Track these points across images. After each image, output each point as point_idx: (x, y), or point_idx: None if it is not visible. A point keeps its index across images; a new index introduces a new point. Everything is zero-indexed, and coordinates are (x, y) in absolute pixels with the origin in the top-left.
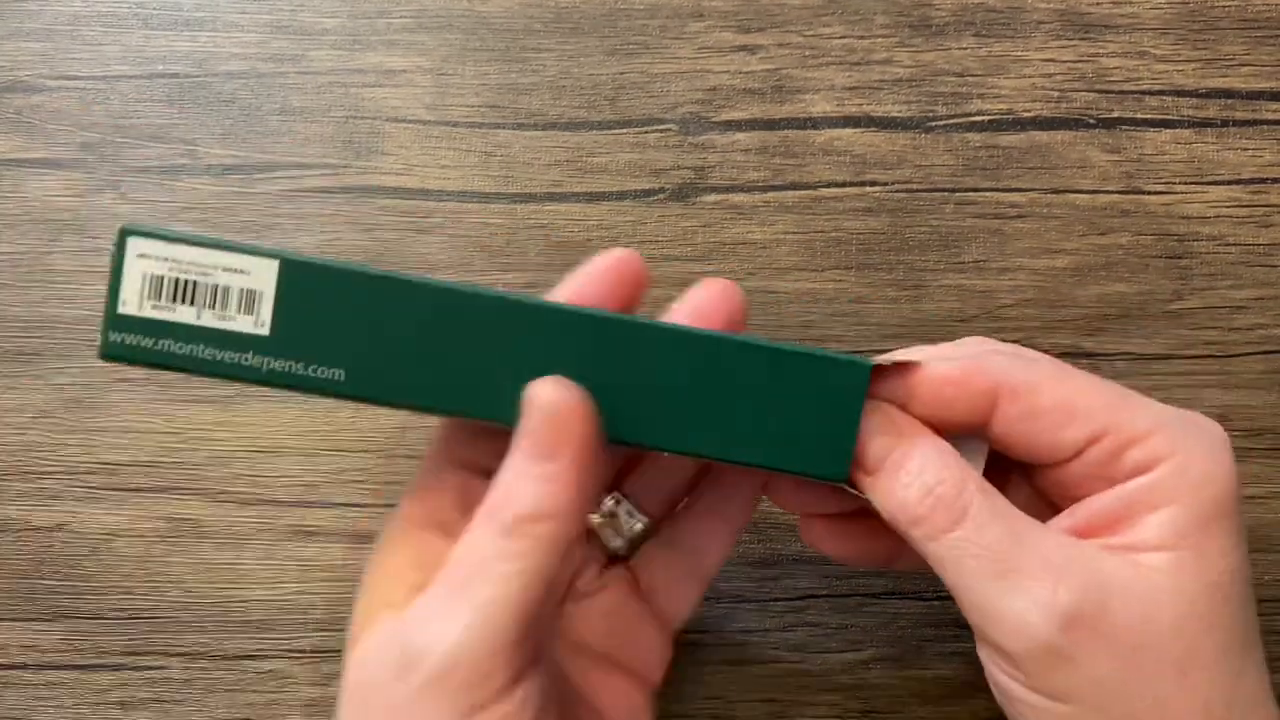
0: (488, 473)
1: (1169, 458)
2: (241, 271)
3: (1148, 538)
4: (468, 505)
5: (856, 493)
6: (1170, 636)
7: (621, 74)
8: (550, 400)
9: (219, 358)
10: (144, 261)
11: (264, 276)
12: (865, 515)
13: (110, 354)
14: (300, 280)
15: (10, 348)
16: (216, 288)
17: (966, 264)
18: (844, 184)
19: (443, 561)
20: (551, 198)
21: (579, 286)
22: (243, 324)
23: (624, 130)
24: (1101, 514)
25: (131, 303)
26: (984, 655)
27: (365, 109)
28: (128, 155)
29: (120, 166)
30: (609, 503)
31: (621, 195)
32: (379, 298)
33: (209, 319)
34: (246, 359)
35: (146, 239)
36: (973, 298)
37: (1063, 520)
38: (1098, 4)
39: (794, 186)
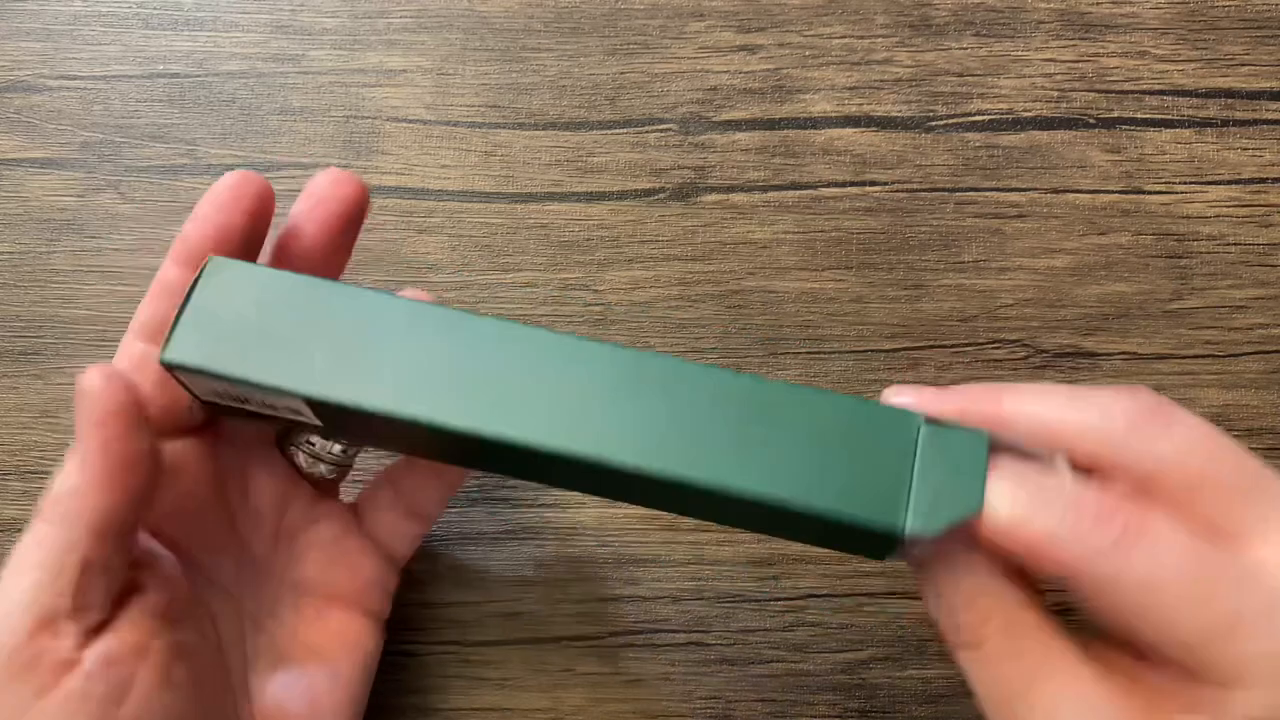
0: (159, 430)
1: (1249, 688)
2: (277, 398)
3: (1232, 711)
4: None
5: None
6: None
7: (622, 74)
8: (90, 388)
9: (297, 438)
10: (192, 380)
11: (296, 402)
12: None
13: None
14: (329, 407)
15: (10, 347)
16: (263, 402)
17: (966, 264)
18: (844, 184)
19: None
20: (552, 197)
21: (206, 219)
22: (297, 417)
23: (624, 130)
24: (1160, 686)
25: (202, 393)
26: None
27: (365, 109)
28: (128, 155)
29: (120, 166)
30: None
31: (622, 195)
32: (402, 426)
33: (270, 411)
34: (313, 439)
35: (185, 373)
36: (973, 297)
37: (1118, 661)
38: (1098, 4)
39: (794, 186)
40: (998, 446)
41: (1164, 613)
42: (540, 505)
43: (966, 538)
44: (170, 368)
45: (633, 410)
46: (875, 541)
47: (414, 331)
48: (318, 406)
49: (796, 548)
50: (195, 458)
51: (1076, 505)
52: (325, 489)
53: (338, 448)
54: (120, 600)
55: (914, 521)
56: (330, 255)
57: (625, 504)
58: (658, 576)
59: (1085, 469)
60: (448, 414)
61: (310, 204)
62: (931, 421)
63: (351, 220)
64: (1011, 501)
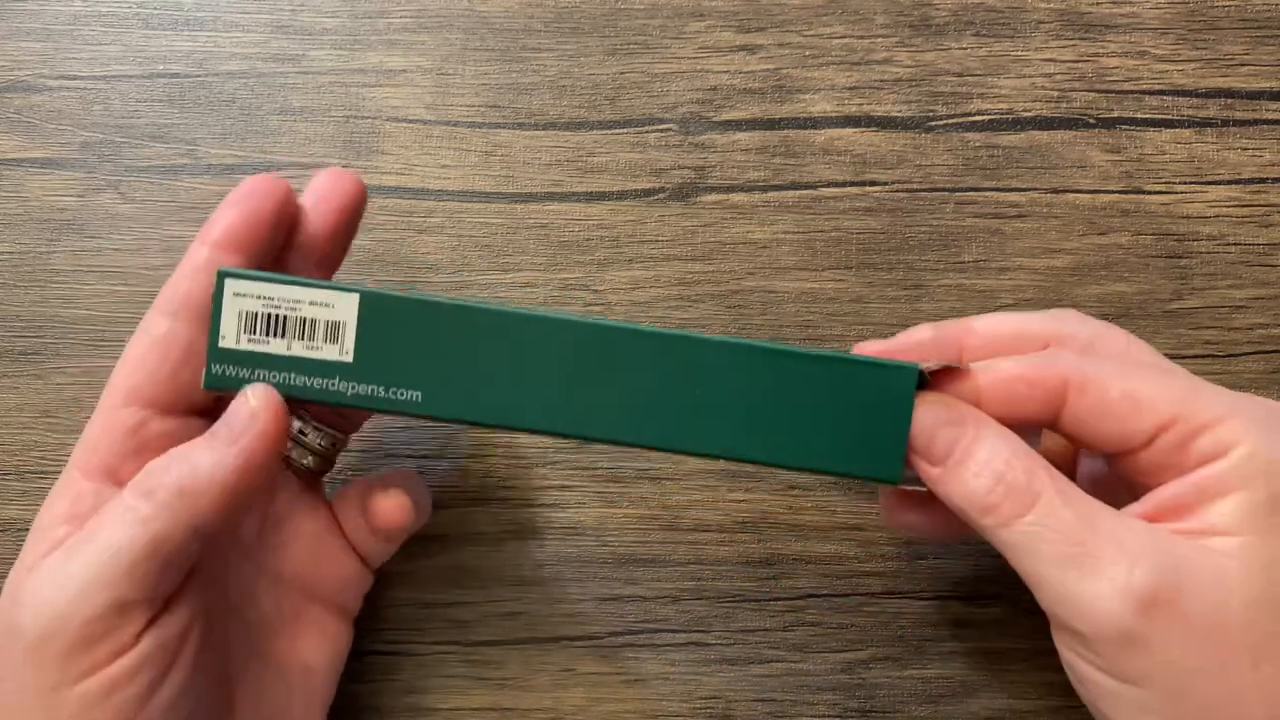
0: (168, 409)
1: (1239, 444)
2: (326, 305)
3: (1217, 523)
4: (141, 446)
5: (913, 489)
6: (1241, 624)
7: (622, 74)
8: (256, 394)
9: (308, 384)
10: (239, 300)
11: (346, 309)
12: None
13: (211, 384)
14: (378, 311)
15: (10, 347)
16: (304, 320)
17: (966, 264)
18: (844, 184)
19: (98, 509)
20: (552, 197)
21: (231, 218)
22: (328, 352)
23: (624, 130)
24: (1172, 500)
25: (230, 337)
26: (1058, 638)
27: (365, 109)
28: (128, 155)
29: (120, 166)
30: (295, 424)
31: (622, 195)
32: (450, 324)
33: (299, 349)
34: (333, 384)
35: (240, 279)
36: (973, 297)
37: (1134, 508)
38: (1098, 4)
39: (794, 186)
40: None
41: (1142, 390)
42: (540, 505)
43: (981, 416)
44: (224, 277)
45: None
46: (893, 400)
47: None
48: (374, 303)
49: (796, 547)
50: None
51: (1039, 353)
52: (309, 481)
53: (325, 440)
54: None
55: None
56: (330, 251)
57: (624, 506)
58: (658, 576)
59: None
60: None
61: (312, 201)
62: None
63: (351, 216)
64: (989, 366)
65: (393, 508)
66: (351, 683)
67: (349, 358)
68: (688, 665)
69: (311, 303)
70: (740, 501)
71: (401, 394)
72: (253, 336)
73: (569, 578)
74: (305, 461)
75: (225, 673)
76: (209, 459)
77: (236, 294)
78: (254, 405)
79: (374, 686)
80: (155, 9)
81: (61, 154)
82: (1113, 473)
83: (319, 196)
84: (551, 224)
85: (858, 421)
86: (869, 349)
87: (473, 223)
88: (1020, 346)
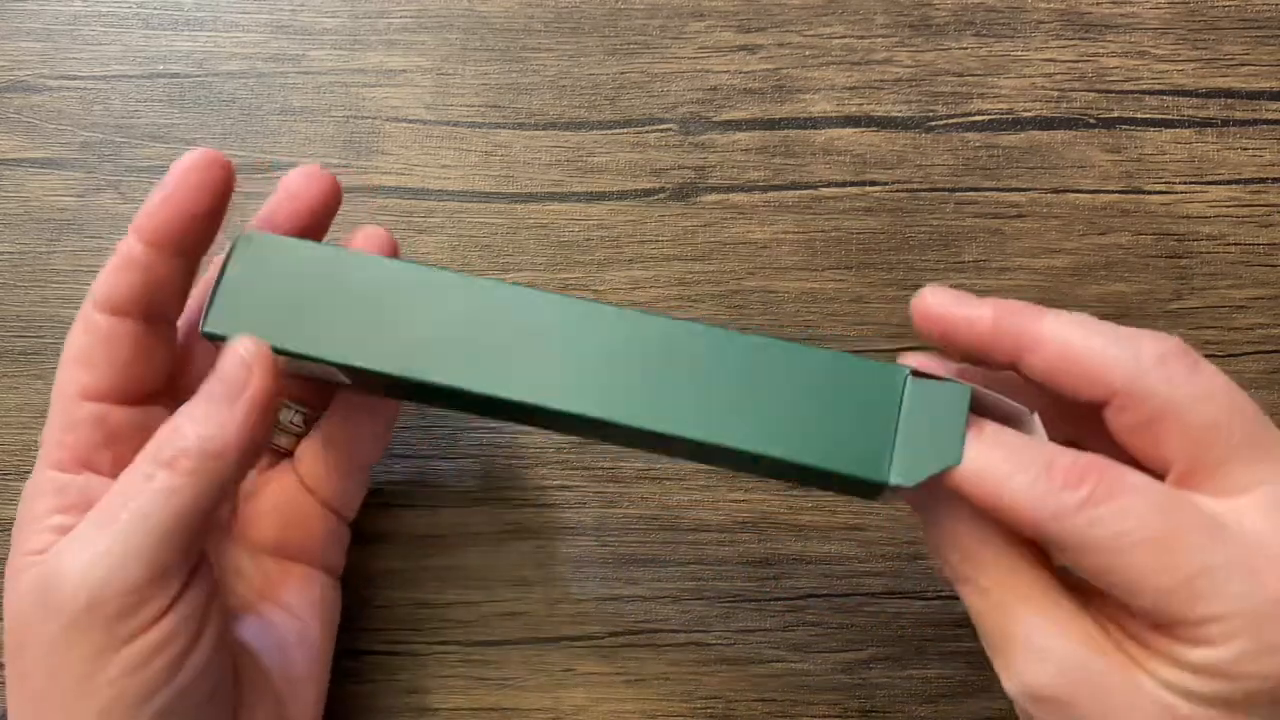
0: (126, 400)
1: (1228, 641)
2: (310, 362)
3: (1165, 677)
4: (110, 437)
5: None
6: None
7: (622, 74)
8: (247, 348)
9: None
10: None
11: (332, 369)
12: None
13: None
14: (363, 371)
15: (11, 347)
16: (298, 366)
17: (966, 264)
18: (844, 184)
19: (94, 498)
20: (552, 197)
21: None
22: (330, 377)
23: (624, 130)
24: (1133, 627)
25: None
26: None
27: (365, 109)
28: (128, 155)
29: (120, 166)
30: None
31: (622, 195)
32: (432, 391)
33: (300, 371)
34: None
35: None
36: None
37: (1101, 605)
38: (1098, 4)
39: (794, 186)
40: (977, 404)
41: (1130, 572)
42: (540, 505)
43: (947, 487)
44: (210, 338)
45: (637, 371)
46: (862, 488)
47: (434, 297)
48: (351, 372)
49: (795, 547)
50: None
51: (1048, 466)
52: (283, 453)
53: (299, 418)
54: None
55: (897, 474)
56: None
57: (624, 506)
58: (658, 576)
59: (1101, 402)
60: (460, 377)
61: (283, 197)
62: (917, 375)
63: (321, 217)
64: (986, 459)
65: (354, 432)
66: (351, 683)
67: (348, 381)
68: (688, 665)
69: (298, 358)
70: (740, 501)
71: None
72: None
73: (569, 578)
74: (280, 441)
75: (230, 644)
76: (218, 419)
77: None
78: (247, 359)
79: (374, 686)
80: (155, 9)
81: (62, 154)
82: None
83: (289, 194)
84: (551, 224)
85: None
86: (916, 360)
87: (473, 223)
88: (1085, 382)
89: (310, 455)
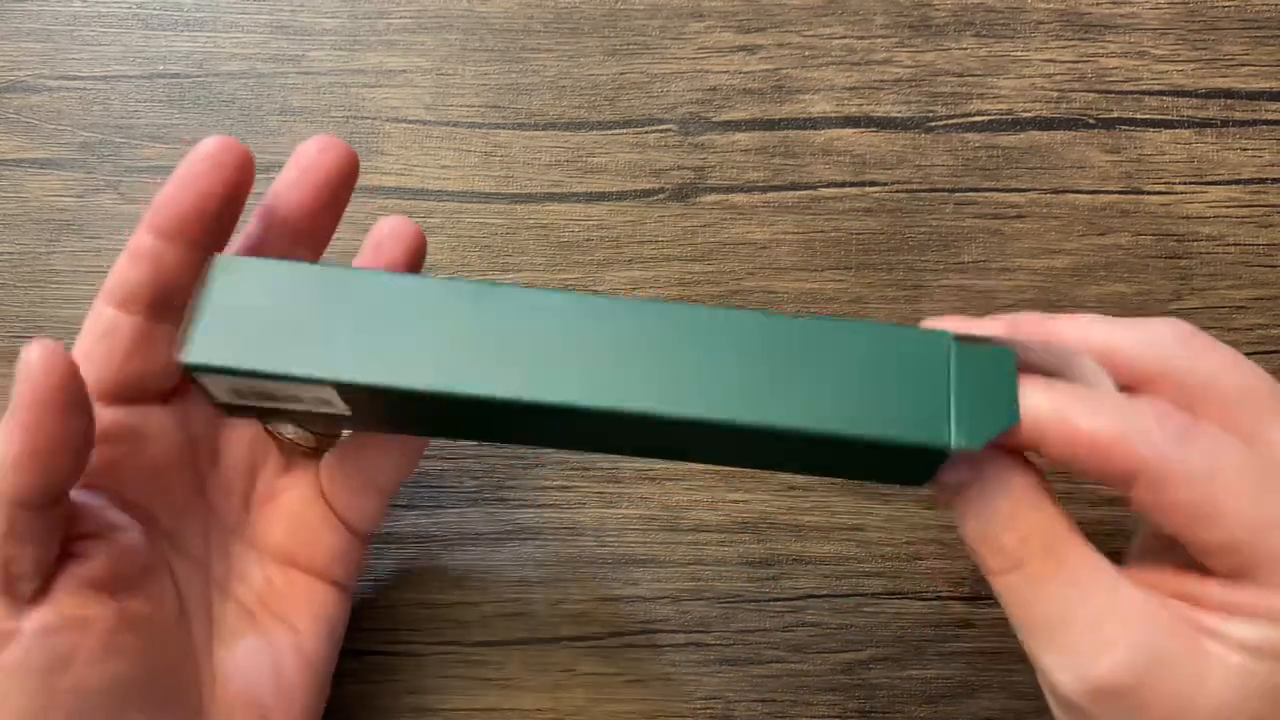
0: (119, 400)
1: None
2: (304, 390)
3: (1229, 634)
4: (97, 438)
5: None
6: None
7: (621, 74)
8: (23, 358)
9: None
10: (213, 381)
11: (325, 391)
12: None
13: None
14: (359, 390)
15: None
16: (289, 396)
17: (966, 264)
18: (844, 184)
19: None
20: (551, 198)
21: (183, 185)
22: (325, 409)
23: (624, 130)
24: (1201, 594)
25: (220, 394)
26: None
27: (365, 109)
28: (127, 155)
29: (120, 166)
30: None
31: (622, 195)
32: (435, 404)
33: (293, 406)
34: (344, 421)
35: (212, 374)
36: (972, 298)
37: (1161, 574)
38: (1098, 4)
39: (794, 186)
40: (1023, 363)
41: (1222, 505)
42: (540, 505)
43: (1003, 457)
44: (191, 370)
45: (666, 361)
46: (920, 462)
47: (435, 306)
48: (349, 392)
49: (796, 547)
50: (166, 426)
51: (1132, 404)
52: (304, 458)
53: (310, 438)
54: (57, 570)
55: (958, 437)
56: (317, 224)
57: (624, 506)
58: (658, 576)
59: (1127, 388)
60: (486, 385)
61: (296, 171)
62: (959, 339)
63: (339, 187)
64: (1059, 401)
65: (381, 454)
66: (351, 683)
67: (347, 411)
68: (688, 666)
69: (289, 391)
70: (740, 502)
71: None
72: (244, 401)
73: (569, 578)
74: (289, 435)
75: (206, 649)
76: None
77: (209, 381)
78: (25, 371)
79: (374, 686)
80: (155, 9)
81: (61, 154)
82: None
83: (303, 168)
84: (551, 224)
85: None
86: (951, 323)
87: (472, 223)
88: (1117, 375)
89: (331, 467)
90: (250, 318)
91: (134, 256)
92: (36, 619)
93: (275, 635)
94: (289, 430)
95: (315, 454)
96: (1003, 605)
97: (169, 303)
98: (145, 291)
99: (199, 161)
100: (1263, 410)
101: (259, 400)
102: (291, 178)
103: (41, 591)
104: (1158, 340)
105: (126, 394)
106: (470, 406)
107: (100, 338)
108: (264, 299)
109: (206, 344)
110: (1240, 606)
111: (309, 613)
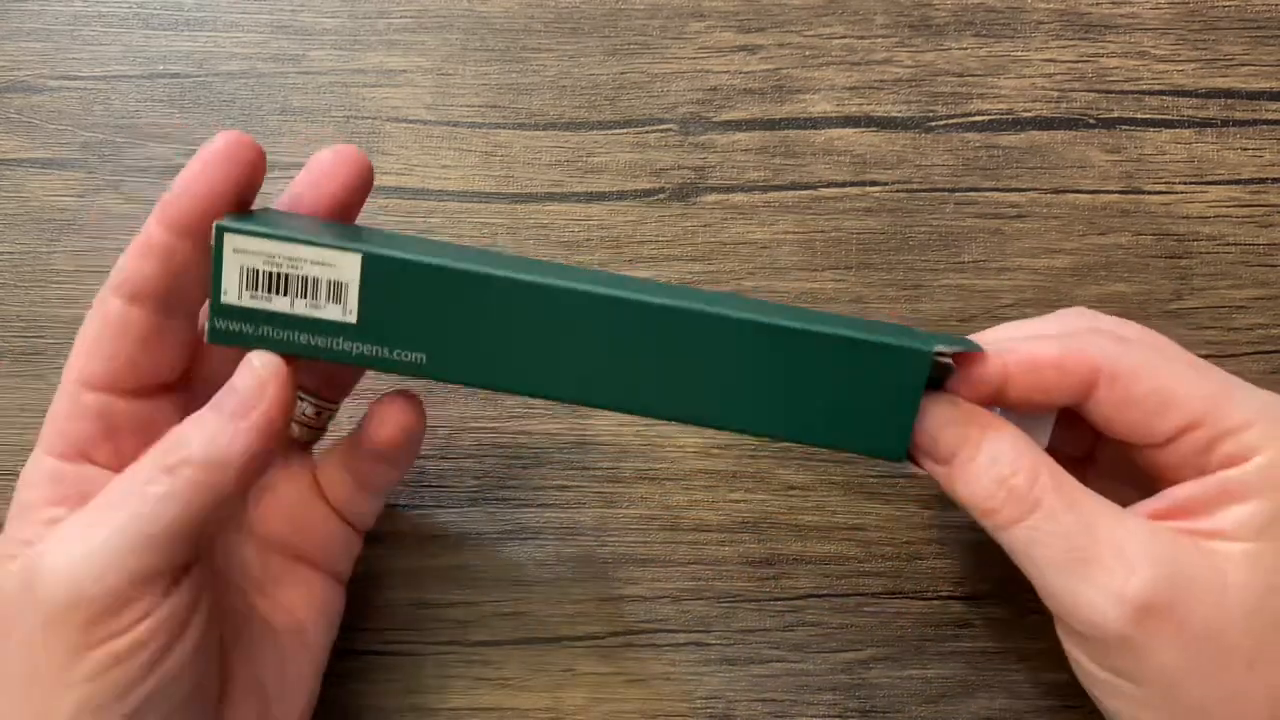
0: (132, 392)
1: (1262, 451)
2: (328, 265)
3: (1226, 527)
4: (111, 429)
5: (918, 471)
6: (1240, 629)
7: (622, 74)
8: (264, 362)
9: (313, 342)
10: (240, 256)
11: (348, 269)
12: None
13: (215, 339)
14: (381, 272)
15: (10, 347)
16: (306, 279)
17: (966, 264)
18: (844, 184)
19: (89, 491)
20: (552, 198)
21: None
22: (331, 312)
23: (624, 130)
24: (1187, 500)
25: (232, 293)
26: (1059, 630)
27: (365, 109)
28: (128, 155)
29: (121, 166)
30: None
31: (622, 195)
32: (453, 288)
33: (301, 308)
34: (338, 344)
35: (239, 235)
36: (973, 298)
37: (1147, 504)
38: (1098, 4)
39: (794, 186)
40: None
41: (1175, 388)
42: (540, 505)
43: (989, 412)
44: (222, 231)
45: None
46: (902, 383)
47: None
48: (374, 268)
49: (796, 547)
50: (174, 418)
51: (1072, 333)
52: (297, 450)
53: (310, 409)
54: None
55: (938, 345)
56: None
57: (625, 506)
58: (658, 576)
59: (1076, 400)
60: (501, 269)
61: (311, 179)
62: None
63: (352, 197)
64: (1011, 343)
65: (375, 460)
66: (351, 683)
67: (352, 318)
68: (688, 665)
69: (313, 262)
70: (740, 502)
71: (405, 355)
72: (255, 293)
73: (569, 578)
74: (293, 433)
75: (221, 639)
76: (227, 432)
77: (236, 250)
78: (262, 376)
79: (374, 686)
80: (155, 9)
81: (62, 154)
82: (1131, 458)
83: (320, 174)
84: (551, 224)
85: (869, 400)
86: None
87: (473, 223)
88: (1059, 392)
89: (330, 463)
90: (276, 217)
91: (144, 250)
92: (168, 605)
93: (277, 623)
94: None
95: (308, 445)
96: (1021, 555)
97: (179, 298)
98: (156, 286)
99: (210, 156)
100: (1163, 341)
101: (269, 297)
102: (306, 184)
103: (180, 577)
104: (1063, 317)
105: (140, 387)
106: (495, 289)
107: (110, 330)
108: (281, 218)
109: (236, 219)
110: (1217, 496)
111: (309, 602)
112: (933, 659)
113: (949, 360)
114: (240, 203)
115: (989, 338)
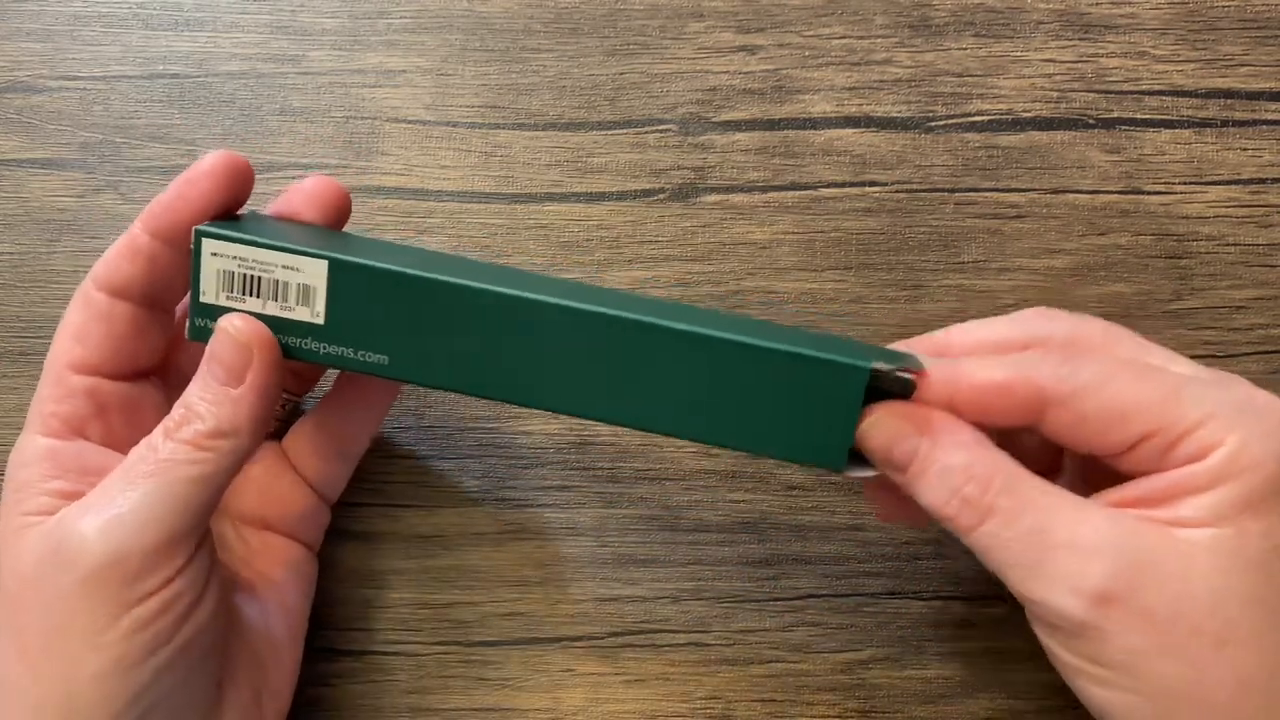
0: (117, 376)
1: (1220, 445)
2: (297, 270)
3: (1188, 515)
4: (100, 407)
5: (862, 476)
6: (1206, 611)
7: (621, 74)
8: (240, 329)
9: (285, 341)
10: (216, 259)
11: (316, 274)
12: None
13: (195, 336)
14: (346, 277)
15: (11, 348)
16: (277, 282)
17: (966, 264)
18: (844, 184)
19: (88, 465)
20: (551, 198)
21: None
22: (300, 314)
23: (624, 130)
24: (1148, 492)
25: (210, 293)
26: (1030, 622)
27: (365, 109)
28: (128, 155)
29: (120, 167)
30: None
31: (622, 195)
32: (413, 293)
33: (273, 309)
34: (306, 344)
35: (216, 240)
36: (972, 298)
37: (1109, 494)
38: (1097, 4)
39: (794, 187)
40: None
41: (1126, 400)
42: (540, 505)
43: (946, 416)
44: (201, 235)
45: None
46: (840, 395)
47: (417, 251)
48: (340, 273)
49: (796, 547)
50: (157, 400)
51: (1016, 355)
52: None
53: (283, 404)
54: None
55: (876, 361)
56: None
57: (624, 506)
58: (657, 577)
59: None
60: (464, 278)
61: (300, 198)
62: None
63: (334, 221)
64: (955, 367)
65: (345, 417)
66: (351, 683)
67: (320, 320)
68: (688, 666)
69: (283, 266)
70: (740, 502)
71: (369, 356)
72: (230, 294)
73: (569, 578)
74: None
75: (226, 608)
76: (230, 400)
77: (213, 254)
78: (244, 339)
79: (374, 686)
80: (155, 10)
81: (62, 154)
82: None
83: (307, 195)
84: (551, 224)
85: (810, 412)
86: None
87: (472, 223)
88: (994, 349)
89: (299, 437)
90: (253, 223)
91: (130, 252)
92: (193, 569)
93: (261, 591)
94: None
95: (274, 429)
96: (983, 556)
97: (160, 295)
98: (139, 286)
99: (200, 176)
100: (1119, 341)
101: (242, 298)
102: (294, 203)
103: (203, 538)
104: (1022, 318)
105: (125, 371)
106: (450, 296)
107: (94, 319)
108: (262, 223)
109: (216, 224)
110: (1180, 486)
111: (286, 570)
112: (933, 659)
113: (908, 376)
114: (224, 215)
115: (942, 340)
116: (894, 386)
